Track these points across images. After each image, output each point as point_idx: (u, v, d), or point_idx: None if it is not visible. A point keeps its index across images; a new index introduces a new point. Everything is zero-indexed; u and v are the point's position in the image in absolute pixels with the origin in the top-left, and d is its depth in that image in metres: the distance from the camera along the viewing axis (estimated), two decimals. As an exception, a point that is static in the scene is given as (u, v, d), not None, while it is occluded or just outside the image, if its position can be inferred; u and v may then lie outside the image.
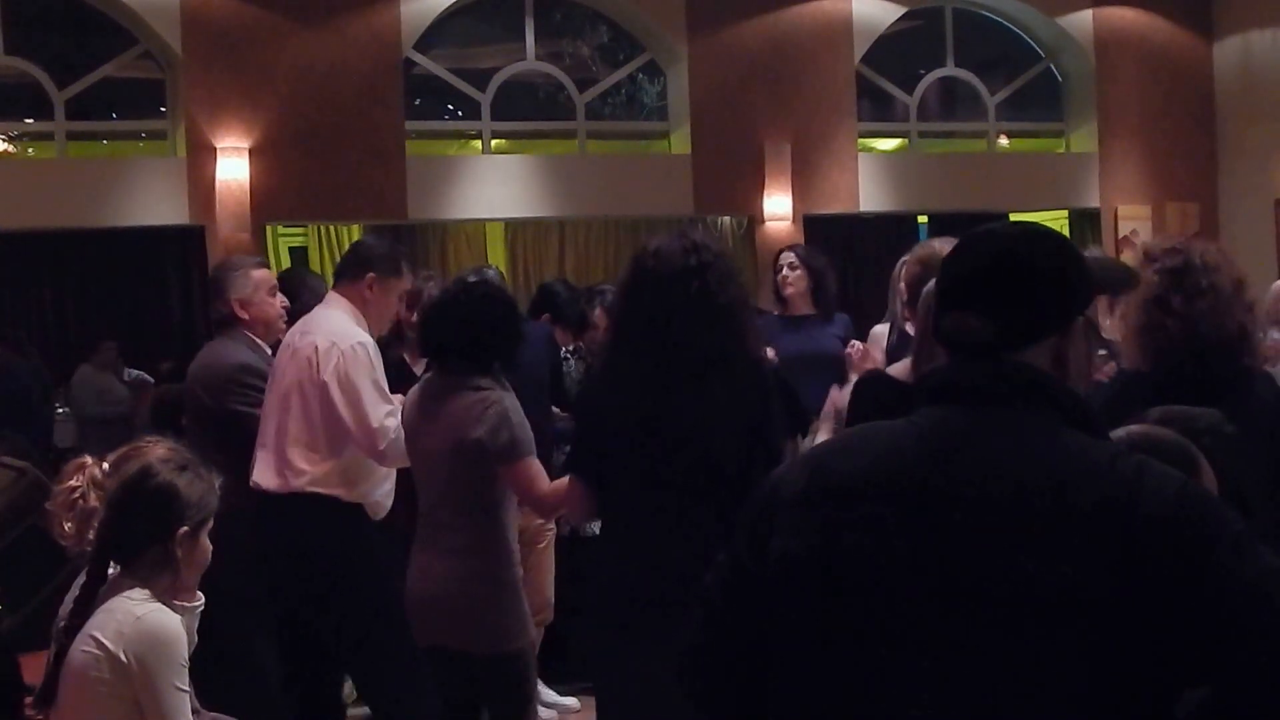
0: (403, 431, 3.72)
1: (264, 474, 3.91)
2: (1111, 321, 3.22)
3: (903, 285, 3.94)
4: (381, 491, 4.00)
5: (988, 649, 1.39)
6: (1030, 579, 1.37)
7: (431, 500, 3.56)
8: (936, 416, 1.51)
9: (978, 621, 1.39)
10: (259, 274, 4.36)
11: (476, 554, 3.46)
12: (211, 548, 2.65)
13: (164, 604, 2.53)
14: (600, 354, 3.50)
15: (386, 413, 3.81)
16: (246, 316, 4.27)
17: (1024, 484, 1.42)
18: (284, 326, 4.31)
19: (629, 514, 2.96)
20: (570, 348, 5.83)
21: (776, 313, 5.68)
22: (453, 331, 3.54)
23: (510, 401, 3.51)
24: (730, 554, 1.63)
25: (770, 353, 4.45)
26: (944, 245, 3.43)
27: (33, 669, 2.82)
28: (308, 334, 3.95)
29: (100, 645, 2.45)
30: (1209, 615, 1.35)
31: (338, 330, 3.91)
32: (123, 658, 2.43)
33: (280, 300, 4.37)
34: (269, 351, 4.26)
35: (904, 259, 5.62)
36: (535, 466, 3.48)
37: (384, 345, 4.32)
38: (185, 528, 2.57)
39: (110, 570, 2.62)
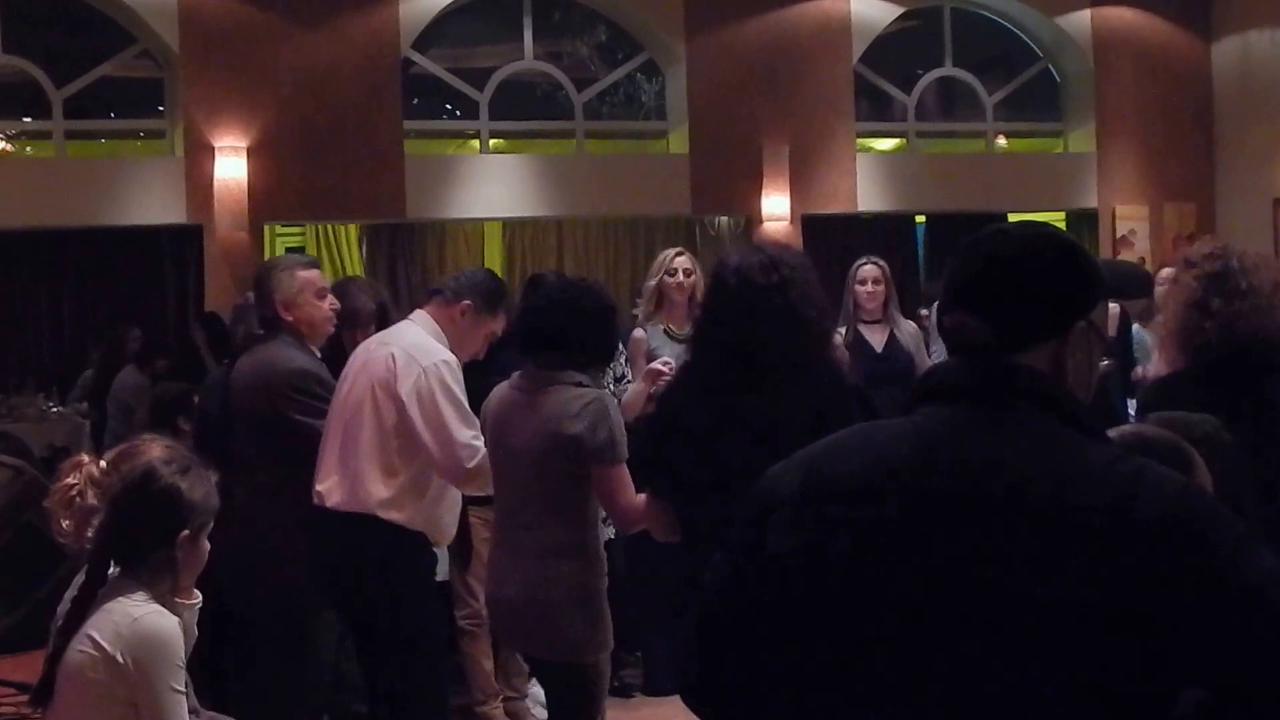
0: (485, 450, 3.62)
1: (331, 488, 3.76)
2: (1151, 325, 3.29)
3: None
4: (449, 517, 3.88)
5: (983, 649, 1.38)
6: (1027, 580, 1.37)
7: (515, 501, 3.47)
8: (934, 416, 1.51)
9: (973, 622, 1.39)
10: (306, 274, 4.14)
11: (562, 557, 3.36)
12: (209, 549, 2.64)
13: (163, 605, 2.53)
14: (679, 370, 3.44)
15: (471, 435, 3.66)
16: (290, 319, 4.07)
17: (1021, 485, 1.41)
18: (331, 330, 4.18)
19: (707, 522, 2.89)
20: None
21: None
22: (553, 327, 3.47)
23: (610, 400, 3.46)
24: (726, 553, 1.62)
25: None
26: None
27: (30, 667, 2.82)
28: (386, 345, 3.80)
29: (97, 646, 2.45)
30: (1208, 617, 1.34)
31: (420, 346, 3.75)
32: (119, 659, 2.44)
33: (329, 302, 4.18)
34: (318, 355, 4.15)
35: (858, 263, 5.77)
36: (626, 474, 3.36)
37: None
38: (187, 531, 2.57)
39: (110, 570, 2.62)
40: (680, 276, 5.29)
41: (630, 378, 5.11)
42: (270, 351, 4.09)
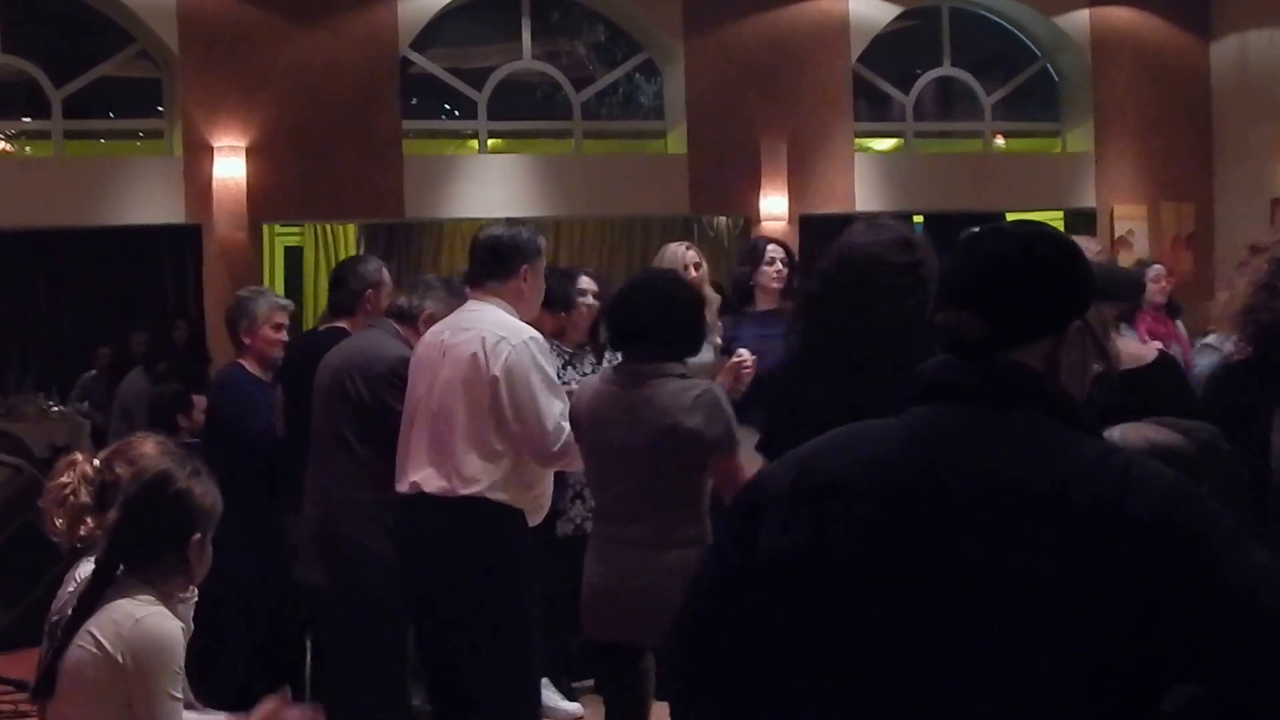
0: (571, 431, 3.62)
1: (428, 477, 3.73)
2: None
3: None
4: (546, 495, 3.89)
5: (973, 645, 1.39)
6: (1016, 575, 1.37)
7: (619, 492, 3.45)
8: (925, 414, 1.51)
9: (964, 617, 1.39)
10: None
11: (671, 548, 3.34)
12: (212, 552, 2.63)
13: (167, 607, 2.53)
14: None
15: (560, 412, 3.66)
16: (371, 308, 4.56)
17: (1011, 481, 1.41)
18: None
19: None
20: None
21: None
22: (647, 319, 3.45)
23: (720, 390, 3.46)
24: (717, 549, 1.64)
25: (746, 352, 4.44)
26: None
27: (28, 665, 2.82)
28: (466, 330, 3.76)
29: (98, 644, 2.45)
30: (1198, 612, 1.35)
31: (506, 325, 3.73)
32: (119, 659, 2.43)
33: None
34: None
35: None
36: (742, 463, 3.33)
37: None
38: (198, 535, 2.57)
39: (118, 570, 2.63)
40: (694, 272, 5.23)
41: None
42: (368, 338, 4.36)
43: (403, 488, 3.81)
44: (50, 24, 9.18)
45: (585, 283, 5.23)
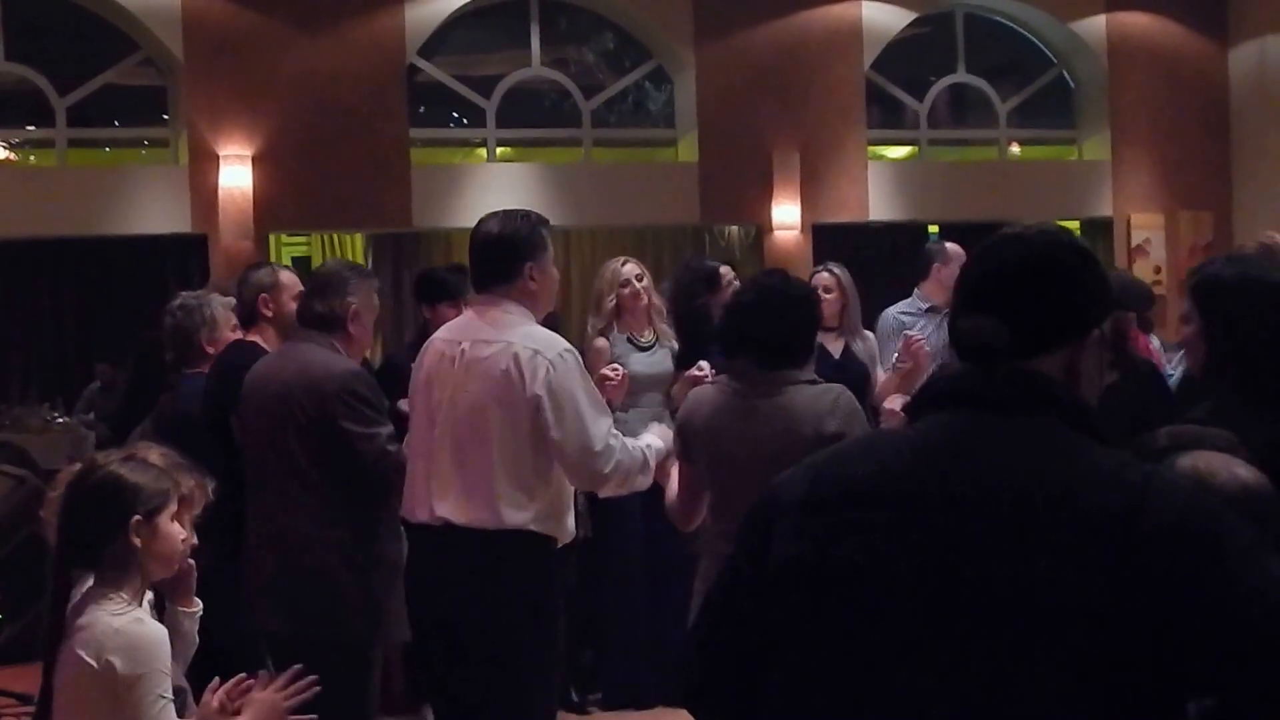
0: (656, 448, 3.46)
1: (457, 508, 3.41)
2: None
3: None
4: (571, 514, 3.58)
5: (986, 656, 1.38)
6: (1030, 586, 1.36)
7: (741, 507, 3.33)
8: (939, 423, 1.51)
9: (975, 628, 1.39)
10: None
11: None
12: (180, 535, 2.58)
13: (145, 611, 2.53)
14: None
15: (607, 430, 3.40)
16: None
17: (1025, 490, 1.41)
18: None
19: None
20: None
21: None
22: (768, 324, 3.36)
23: (848, 390, 3.39)
24: (730, 559, 1.63)
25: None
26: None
27: (32, 678, 2.81)
28: (488, 341, 3.43)
29: (83, 661, 2.46)
30: (1216, 625, 1.34)
31: (535, 337, 3.42)
32: (105, 671, 2.44)
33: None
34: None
35: (814, 270, 5.68)
36: None
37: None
38: (138, 516, 2.52)
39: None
40: (635, 284, 5.38)
41: None
42: (305, 355, 3.85)
43: (420, 517, 3.50)
44: (54, 31, 9.15)
45: (726, 272, 5.53)
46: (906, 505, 1.45)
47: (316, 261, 10.51)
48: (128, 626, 2.46)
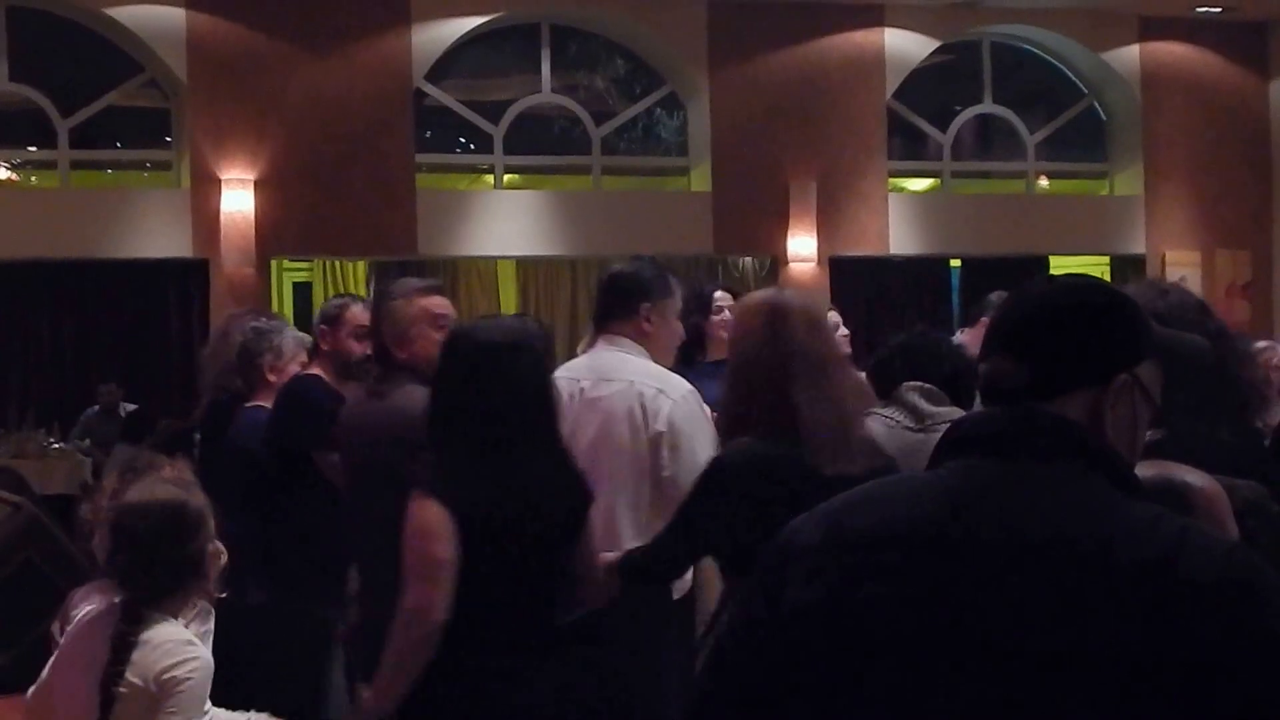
0: None
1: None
2: None
3: None
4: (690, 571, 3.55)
5: (1011, 705, 1.35)
6: (1055, 636, 1.34)
7: None
8: (960, 467, 1.48)
9: (997, 680, 1.35)
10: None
11: None
12: (224, 547, 2.70)
13: (193, 631, 2.65)
14: None
15: None
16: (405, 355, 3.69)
17: (1050, 539, 1.38)
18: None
19: None
20: None
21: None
22: (938, 370, 3.37)
23: None
24: (742, 604, 1.62)
25: None
26: None
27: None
28: (609, 380, 3.40)
29: (130, 684, 2.56)
30: (1251, 683, 1.31)
31: (656, 376, 3.41)
32: (152, 690, 2.54)
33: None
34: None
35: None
36: None
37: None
38: (212, 545, 2.66)
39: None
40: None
41: None
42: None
43: None
44: (57, 52, 9.17)
45: (721, 296, 5.07)
46: (926, 552, 1.43)
47: (318, 288, 10.44)
48: (178, 649, 2.57)
